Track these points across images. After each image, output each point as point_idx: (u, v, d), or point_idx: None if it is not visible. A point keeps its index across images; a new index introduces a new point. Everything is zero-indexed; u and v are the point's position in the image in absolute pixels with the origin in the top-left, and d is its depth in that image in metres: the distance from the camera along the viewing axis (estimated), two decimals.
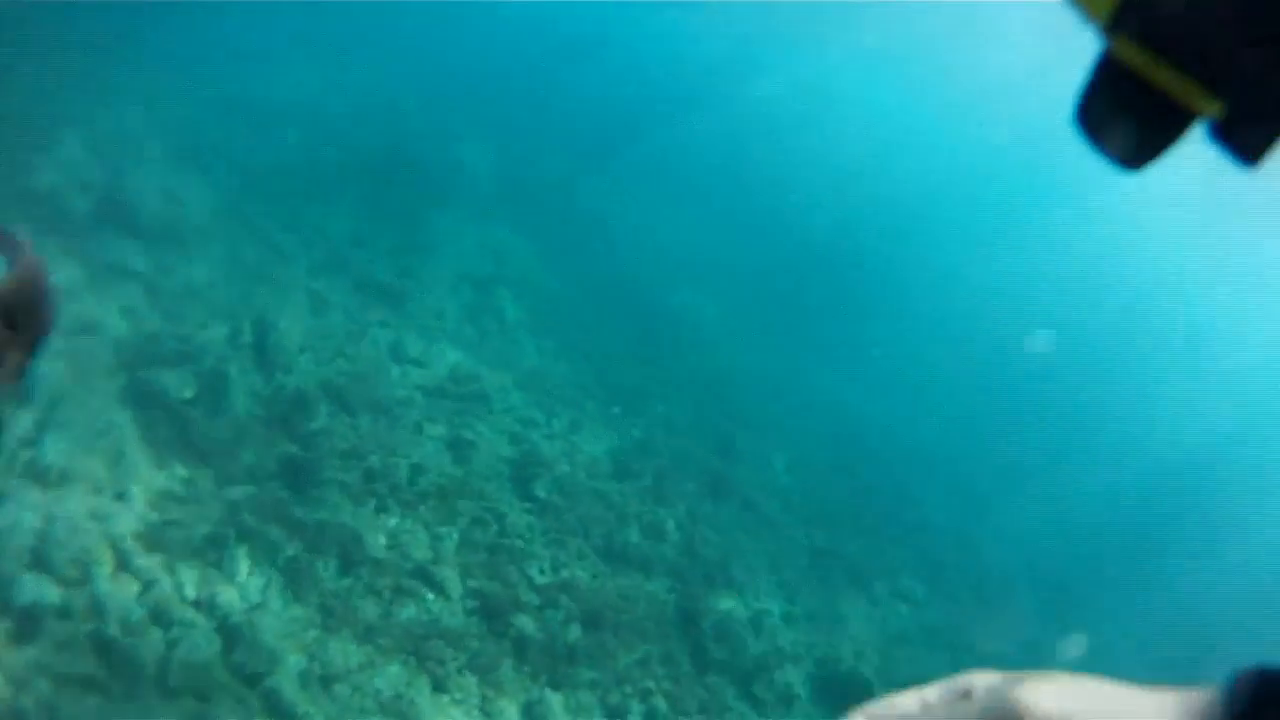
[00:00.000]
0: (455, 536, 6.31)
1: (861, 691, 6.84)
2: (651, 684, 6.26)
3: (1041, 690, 0.65)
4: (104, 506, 5.11)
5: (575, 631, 6.24)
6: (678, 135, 15.67)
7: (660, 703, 6.19)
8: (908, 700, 0.72)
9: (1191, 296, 26.68)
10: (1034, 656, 8.66)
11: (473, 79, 13.67)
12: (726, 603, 6.90)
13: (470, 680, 5.76)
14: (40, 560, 4.61)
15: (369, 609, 5.69)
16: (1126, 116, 0.57)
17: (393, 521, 6.11)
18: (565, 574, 6.52)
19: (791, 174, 17.79)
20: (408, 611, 5.83)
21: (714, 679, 6.40)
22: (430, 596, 5.99)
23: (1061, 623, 9.93)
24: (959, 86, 26.46)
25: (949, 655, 8.22)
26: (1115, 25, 0.54)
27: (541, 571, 6.46)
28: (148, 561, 5.01)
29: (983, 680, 0.69)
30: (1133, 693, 0.66)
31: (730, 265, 13.00)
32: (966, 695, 0.68)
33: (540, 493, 6.78)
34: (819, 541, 8.37)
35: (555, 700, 5.90)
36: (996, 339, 15.92)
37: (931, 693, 0.72)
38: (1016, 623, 9.60)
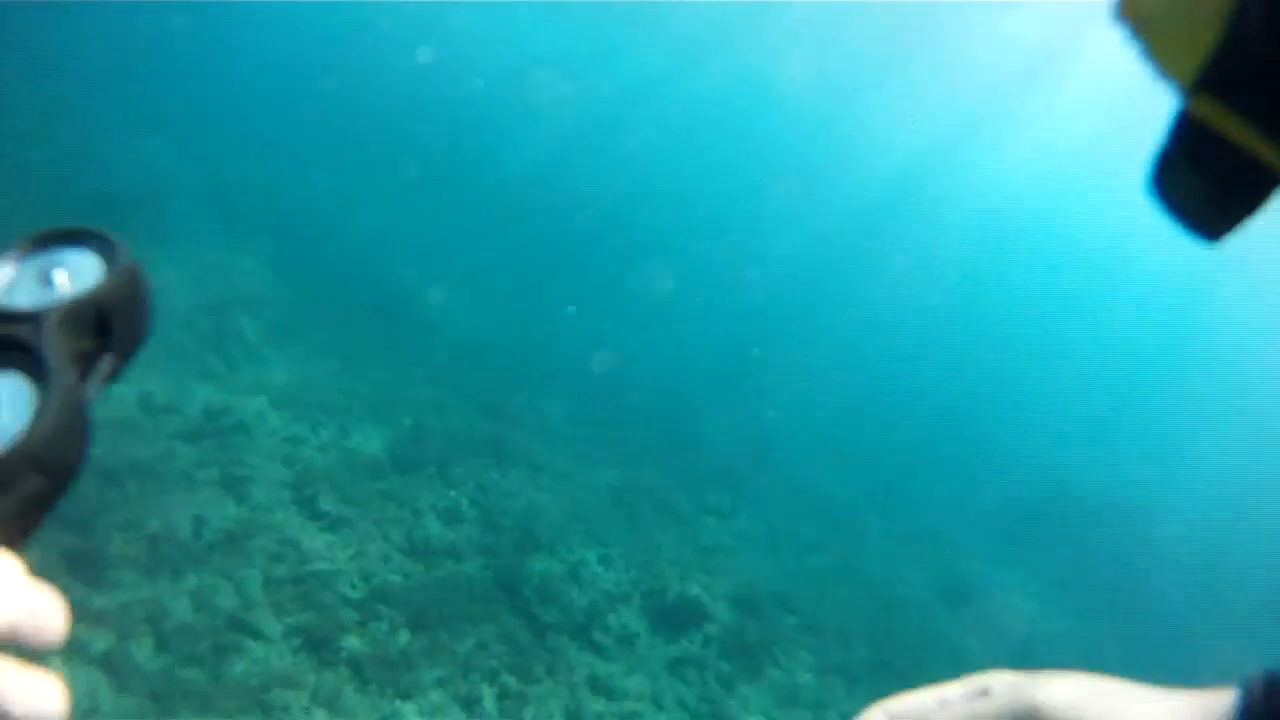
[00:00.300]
0: (258, 577, 8.32)
1: (696, 611, 9.76)
2: (495, 663, 8.50)
3: (1059, 690, 0.95)
4: None
5: (405, 637, 8.42)
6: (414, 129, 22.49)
7: (509, 680, 8.19)
8: (925, 697, 1.03)
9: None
10: (853, 540, 12.90)
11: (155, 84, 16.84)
12: (542, 564, 9.38)
13: (320, 716, 8.14)
14: None
15: (197, 677, 7.51)
16: (1208, 182, 0.75)
17: (192, 581, 8.18)
18: (377, 582, 8.52)
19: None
20: (236, 667, 7.69)
21: (553, 640, 8.64)
22: (252, 645, 8.19)
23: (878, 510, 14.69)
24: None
25: (770, 558, 12.08)
26: (1200, 84, 0.72)
27: (353, 587, 8.77)
28: None
29: (1001, 679, 1.00)
30: (1148, 693, 0.96)
31: (480, 250, 17.71)
32: (985, 693, 0.99)
33: (327, 508, 8.89)
34: (615, 481, 11.33)
35: (409, 710, 8.24)
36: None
37: (950, 690, 1.01)
38: (831, 512, 13.93)
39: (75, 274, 0.97)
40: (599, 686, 8.58)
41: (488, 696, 8.28)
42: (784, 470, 14.14)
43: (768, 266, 25.23)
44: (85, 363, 0.93)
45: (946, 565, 13.78)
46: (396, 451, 9.85)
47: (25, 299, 0.94)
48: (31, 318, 0.91)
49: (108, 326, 0.95)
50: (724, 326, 19.71)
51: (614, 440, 12.43)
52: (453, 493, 9.64)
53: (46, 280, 0.96)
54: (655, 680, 8.92)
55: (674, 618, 9.56)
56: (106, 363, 0.96)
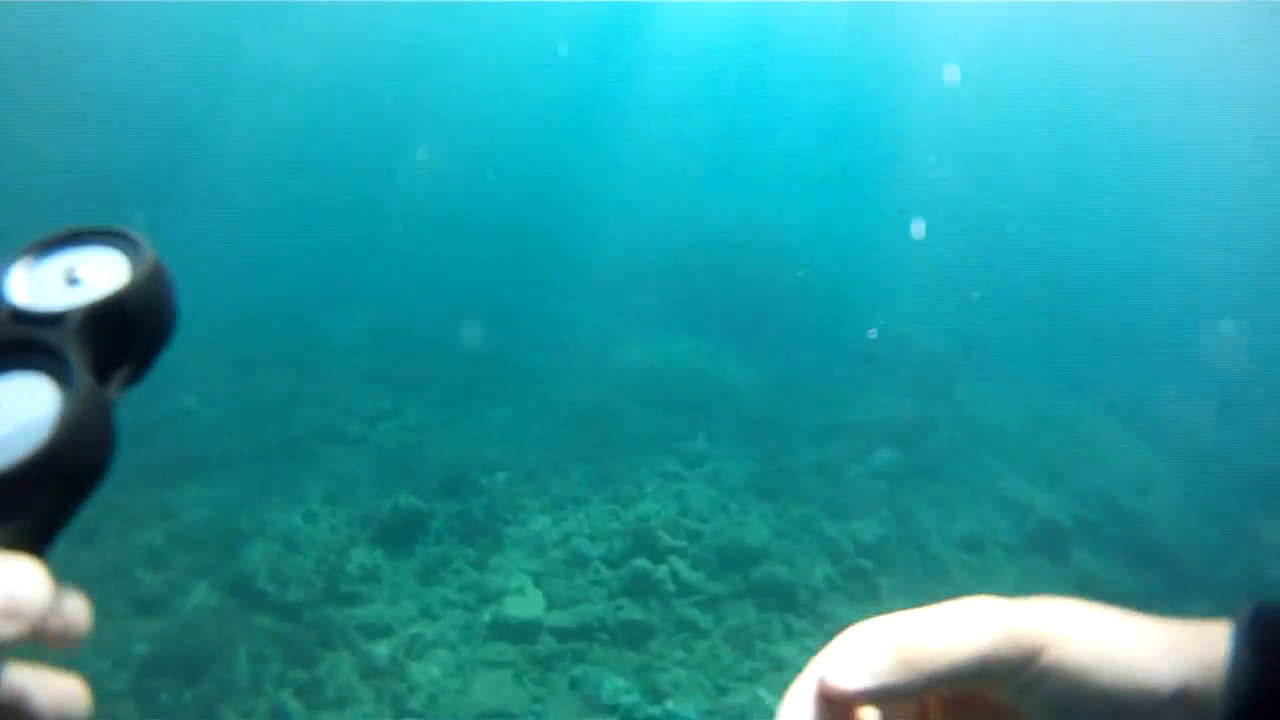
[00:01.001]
0: None
1: (411, 519, 10.98)
2: (277, 666, 9.28)
3: (1050, 620, 0.99)
4: None
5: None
6: None
7: (299, 675, 9.22)
8: (909, 620, 1.04)
9: None
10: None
11: None
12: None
13: None
14: None
15: None
16: None
17: None
18: None
19: None
20: None
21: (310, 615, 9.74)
22: None
23: None
24: None
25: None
26: None
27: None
28: None
29: (987, 604, 1.01)
30: (1144, 627, 1.02)
31: None
32: (969, 617, 1.00)
33: None
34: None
35: None
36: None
37: (934, 614, 1.02)
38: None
39: (99, 274, 1.00)
40: (373, 631, 9.16)
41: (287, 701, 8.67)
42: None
43: None
44: (109, 364, 0.96)
45: None
46: None
47: (49, 300, 0.96)
48: (55, 319, 0.93)
49: (132, 327, 0.98)
50: None
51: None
52: None
53: (70, 280, 0.99)
54: (416, 597, 9.62)
55: (397, 535, 10.20)
56: (131, 363, 0.99)
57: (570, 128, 30.82)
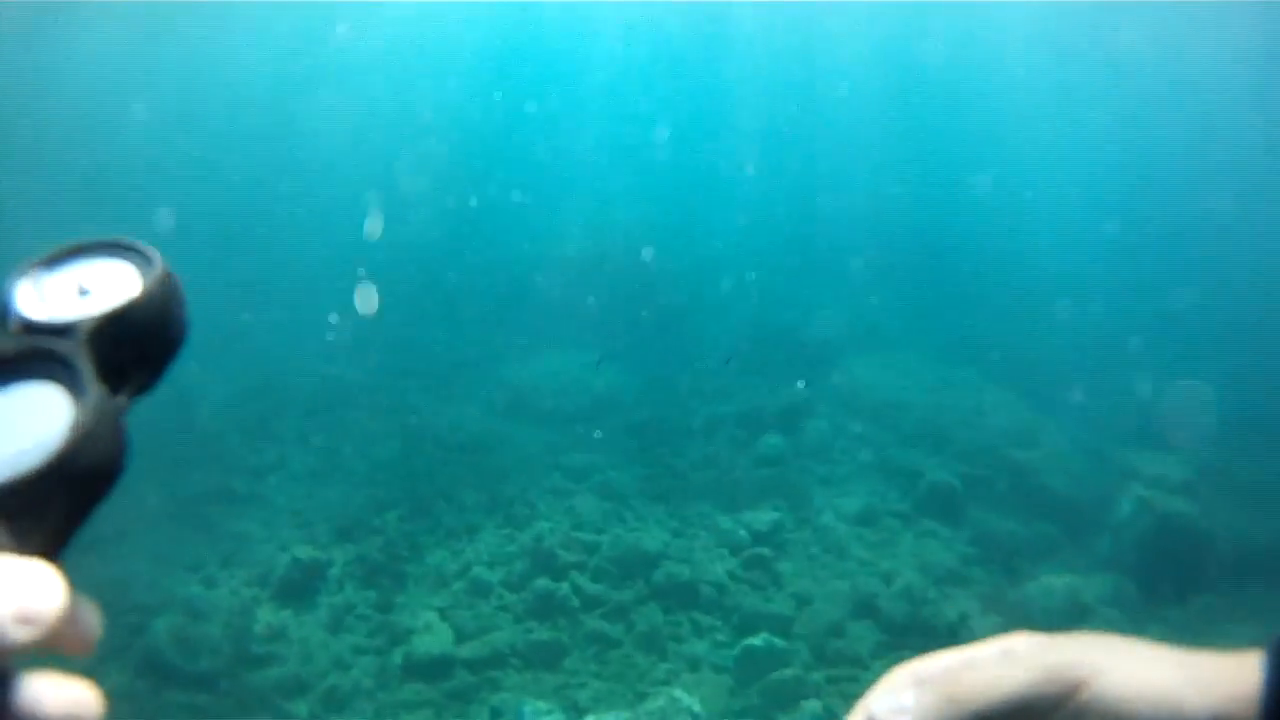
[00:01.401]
0: None
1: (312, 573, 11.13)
2: None
3: (1087, 655, 1.02)
4: None
5: None
6: None
7: None
8: (952, 660, 1.11)
9: None
10: None
11: None
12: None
13: None
14: None
15: None
16: None
17: None
18: None
19: None
20: None
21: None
22: None
23: None
24: None
25: None
26: None
27: None
28: None
29: (1027, 642, 1.07)
30: (1178, 659, 1.04)
31: None
32: (1010, 655, 1.06)
33: None
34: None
35: None
36: None
37: (977, 653, 1.08)
38: None
39: (110, 285, 1.03)
40: (289, 690, 9.37)
41: None
42: None
43: None
44: (120, 374, 0.99)
45: None
46: None
47: (60, 311, 0.99)
48: (67, 330, 0.96)
49: (143, 337, 1.01)
50: None
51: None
52: None
53: (81, 292, 1.02)
54: (327, 648, 9.86)
55: (298, 588, 10.47)
56: (141, 373, 1.02)
57: (457, 150, 30.71)
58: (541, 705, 9.21)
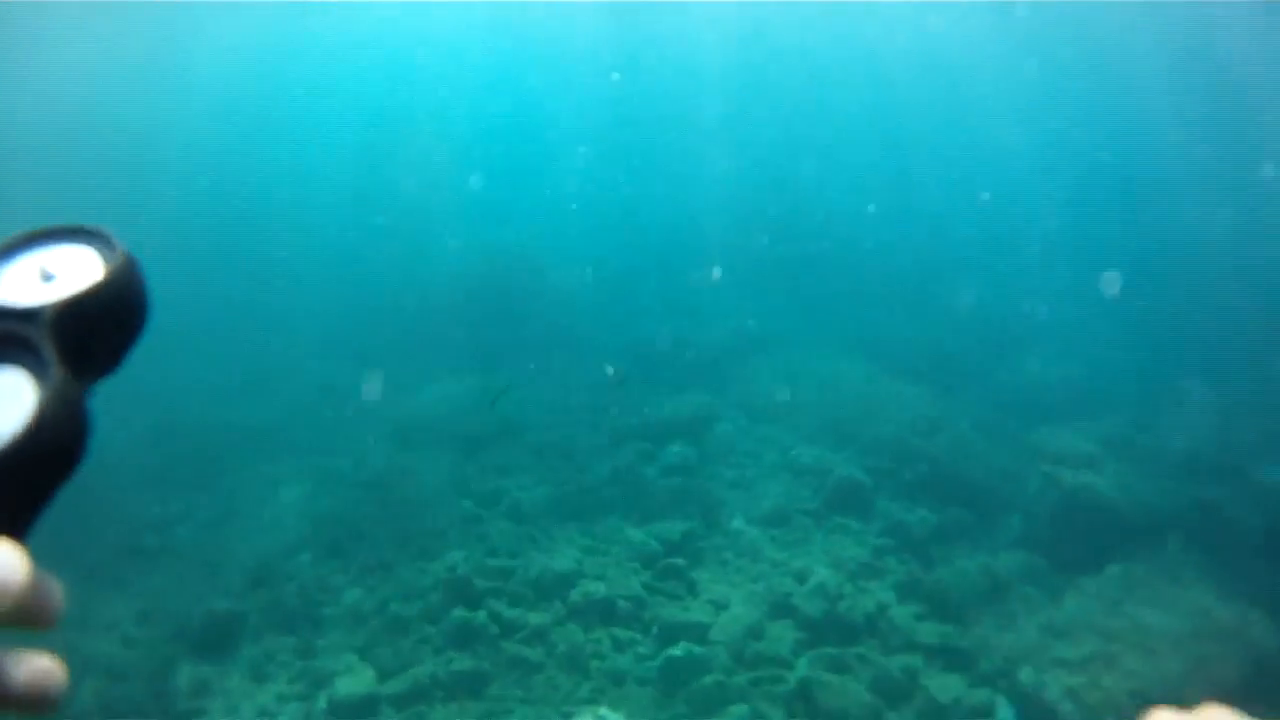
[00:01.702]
0: None
1: None
2: None
3: None
4: None
5: None
6: None
7: None
8: None
9: None
10: None
11: None
12: None
13: None
14: None
15: None
16: None
17: None
18: None
19: None
20: None
21: None
22: None
23: None
24: None
25: None
26: None
27: None
28: None
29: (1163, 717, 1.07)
30: None
31: None
32: None
33: None
34: None
35: None
36: None
37: None
38: None
39: (73, 270, 1.06)
40: None
41: None
42: None
43: None
44: (83, 357, 1.01)
45: None
46: None
47: (24, 296, 1.02)
48: (31, 315, 0.99)
49: (106, 322, 1.04)
50: None
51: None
52: None
53: (45, 277, 1.05)
54: (250, 698, 9.95)
55: (217, 640, 10.49)
56: (104, 356, 1.05)
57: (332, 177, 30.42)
58: None
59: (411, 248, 24.00)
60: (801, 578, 12.38)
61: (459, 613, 11.15)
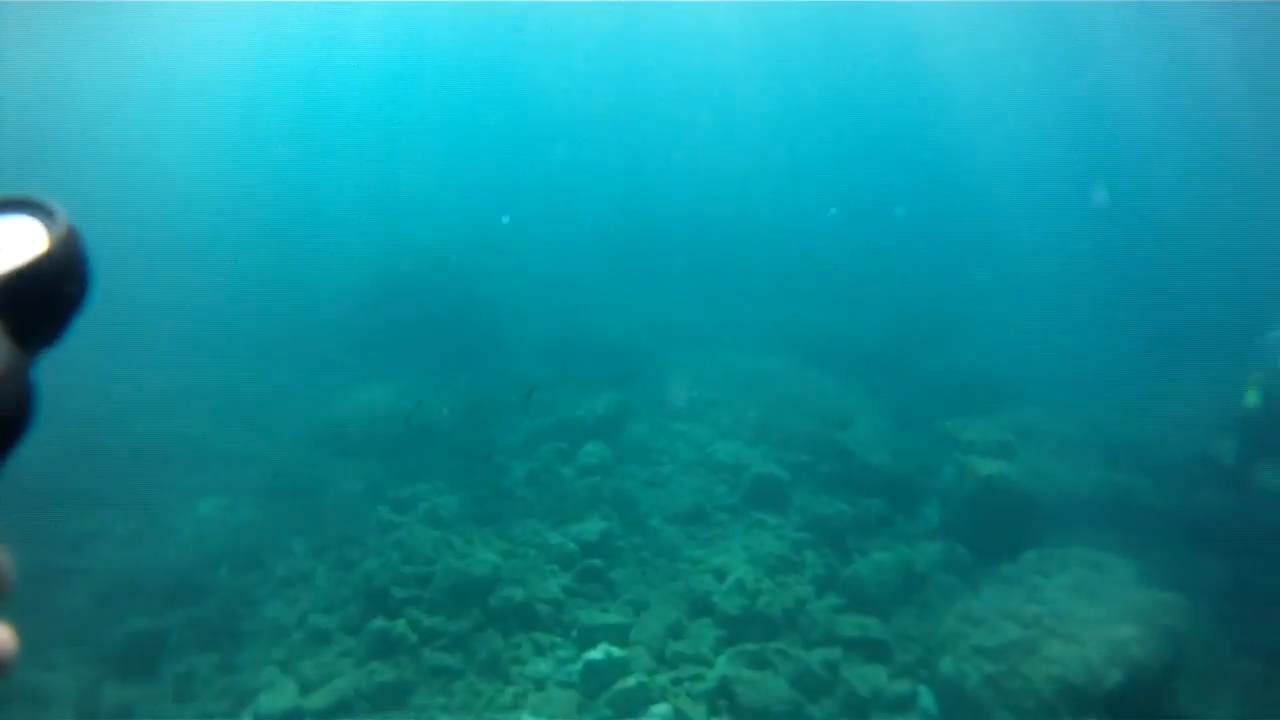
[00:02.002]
0: None
1: None
2: None
3: None
4: None
5: None
6: None
7: None
8: None
9: None
10: None
11: None
12: None
13: None
14: None
15: None
16: None
17: None
18: None
19: None
20: None
21: None
22: None
23: None
24: None
25: None
26: None
27: None
28: None
29: None
30: None
31: None
32: None
33: None
34: None
35: None
36: None
37: None
38: None
39: (16, 242, 1.08)
40: None
41: None
42: None
43: None
44: (27, 327, 1.04)
45: None
46: None
47: None
48: None
49: (49, 292, 1.06)
50: None
51: None
52: None
53: None
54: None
55: (138, 661, 10.65)
56: (48, 326, 1.07)
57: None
58: None
59: (330, 251, 23.98)
60: (720, 575, 12.72)
61: (378, 623, 11.35)
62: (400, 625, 11.36)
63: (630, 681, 10.59)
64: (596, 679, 10.67)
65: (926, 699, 11.08)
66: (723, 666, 11.02)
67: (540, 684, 10.70)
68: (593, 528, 13.70)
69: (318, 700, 10.26)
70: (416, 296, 21.00)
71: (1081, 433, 16.99)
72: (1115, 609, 11.27)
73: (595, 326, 21.40)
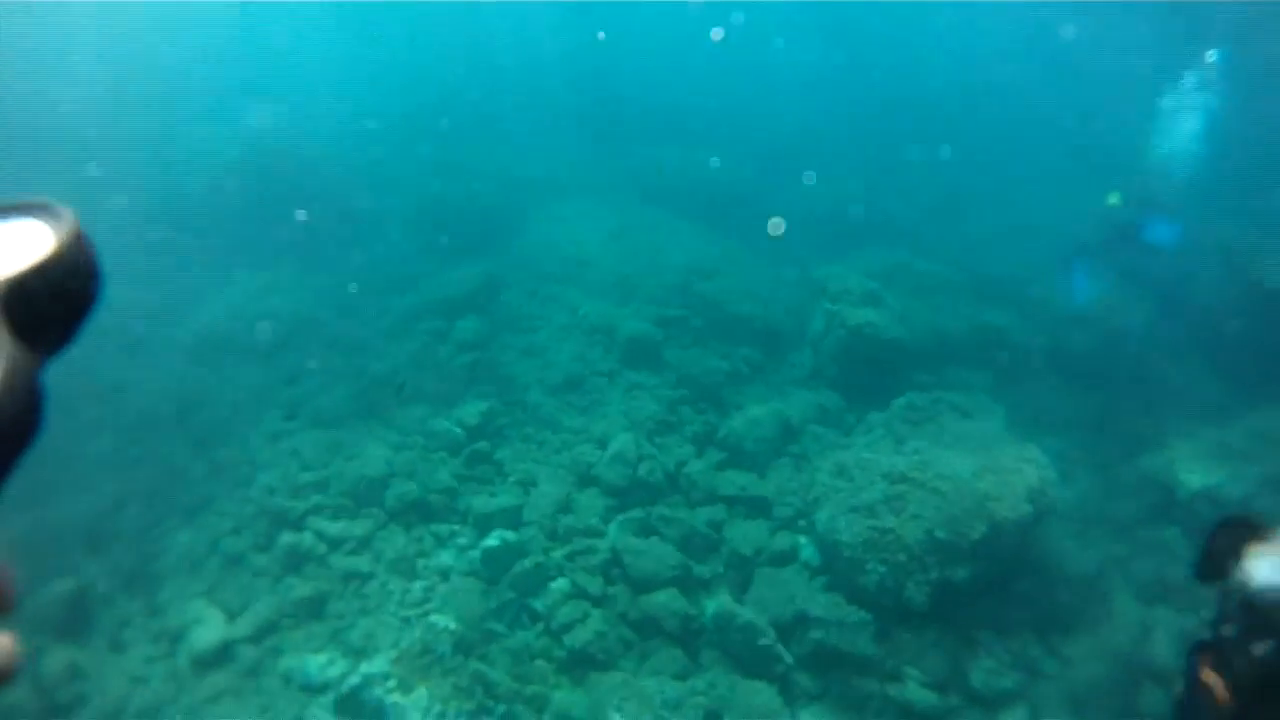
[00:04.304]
0: None
1: None
2: None
3: None
4: None
5: None
6: None
7: None
8: None
9: None
10: None
11: None
12: None
13: None
14: None
15: None
16: None
17: None
18: None
19: None
20: None
21: None
22: None
23: None
24: None
25: None
26: None
27: None
28: None
29: None
30: None
31: None
32: None
33: None
34: None
35: None
36: None
37: None
38: None
39: (24, 244, 1.14)
40: None
41: None
42: None
43: None
44: (37, 330, 1.10)
45: None
46: None
47: None
48: None
49: (58, 295, 1.12)
50: None
51: None
52: None
53: None
54: (121, 670, 12.00)
55: (71, 620, 12.33)
56: (58, 329, 1.14)
57: None
58: (322, 659, 11.32)
59: (182, 142, 24.13)
60: (602, 444, 14.27)
61: (286, 538, 12.80)
62: (307, 537, 12.85)
63: (528, 563, 12.27)
64: (496, 564, 12.34)
65: (808, 550, 12.90)
66: (613, 536, 12.76)
67: (445, 575, 12.34)
68: (474, 409, 15.13)
69: (244, 627, 11.79)
70: (271, 185, 21.73)
71: (950, 271, 18.80)
72: (980, 462, 12.95)
73: (457, 191, 22.34)
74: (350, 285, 19.00)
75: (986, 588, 12.22)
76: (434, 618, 11.77)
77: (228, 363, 17.07)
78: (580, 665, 11.51)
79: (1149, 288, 17.98)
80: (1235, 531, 4.27)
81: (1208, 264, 18.14)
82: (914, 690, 11.53)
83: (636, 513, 13.28)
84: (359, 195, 22.33)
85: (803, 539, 13.12)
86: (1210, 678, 3.83)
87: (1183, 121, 20.48)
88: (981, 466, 12.94)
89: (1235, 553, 4.14)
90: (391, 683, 11.11)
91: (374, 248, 20.45)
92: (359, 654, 11.49)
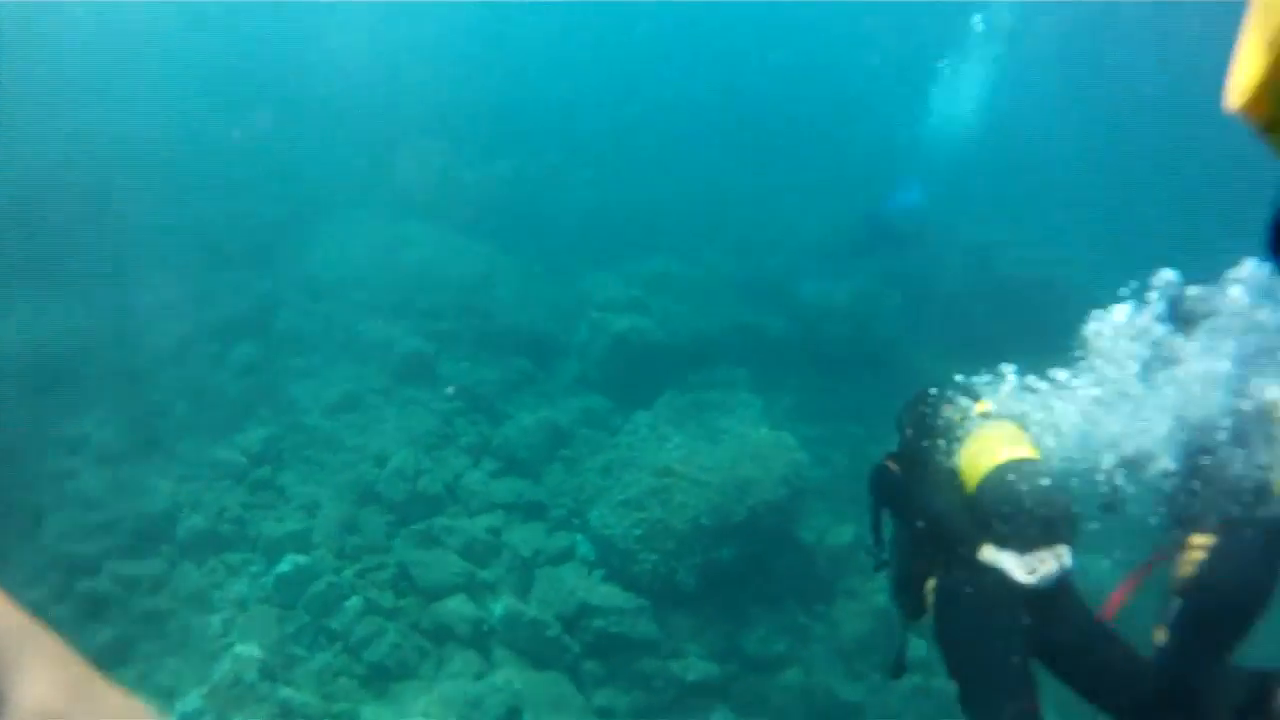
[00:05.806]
0: None
1: None
2: None
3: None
4: None
5: None
6: None
7: None
8: None
9: None
10: None
11: None
12: None
13: None
14: None
15: None
16: None
17: None
18: None
19: None
20: None
21: None
22: None
23: None
24: None
25: None
26: None
27: None
28: None
29: None
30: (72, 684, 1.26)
31: None
32: None
33: None
34: None
35: None
36: None
37: None
38: None
39: None
40: None
41: None
42: None
43: None
44: None
45: None
46: None
47: None
48: None
49: None
50: None
51: None
52: None
53: None
54: None
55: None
56: None
57: None
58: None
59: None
60: (381, 461, 15.37)
61: (83, 584, 13.36)
62: (103, 582, 13.40)
63: (320, 585, 13.31)
64: (289, 589, 13.35)
65: (584, 547, 14.46)
66: (398, 551, 14.01)
67: (242, 604, 13.25)
68: (256, 435, 16.02)
69: None
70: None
71: (712, 275, 20.66)
72: (738, 451, 14.58)
73: (228, 208, 22.50)
74: (132, 311, 18.89)
75: (753, 566, 13.98)
76: (238, 648, 12.70)
77: (3, 394, 16.90)
78: (381, 678, 12.65)
79: (899, 280, 20.16)
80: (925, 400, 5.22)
81: (955, 256, 20.47)
82: (695, 664, 13.32)
83: (419, 525, 14.54)
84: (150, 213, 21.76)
85: (579, 536, 14.69)
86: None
87: (950, 103, 22.31)
88: (740, 455, 14.65)
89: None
90: (208, 718, 12.00)
91: (154, 269, 20.16)
92: (170, 694, 12.28)
